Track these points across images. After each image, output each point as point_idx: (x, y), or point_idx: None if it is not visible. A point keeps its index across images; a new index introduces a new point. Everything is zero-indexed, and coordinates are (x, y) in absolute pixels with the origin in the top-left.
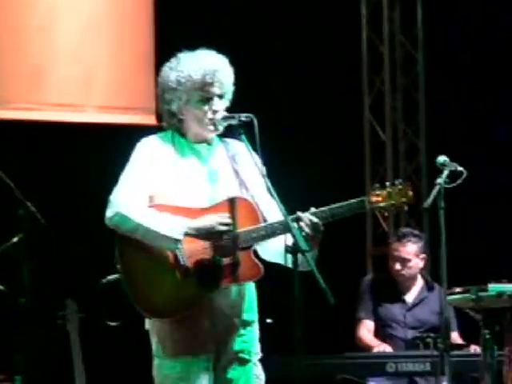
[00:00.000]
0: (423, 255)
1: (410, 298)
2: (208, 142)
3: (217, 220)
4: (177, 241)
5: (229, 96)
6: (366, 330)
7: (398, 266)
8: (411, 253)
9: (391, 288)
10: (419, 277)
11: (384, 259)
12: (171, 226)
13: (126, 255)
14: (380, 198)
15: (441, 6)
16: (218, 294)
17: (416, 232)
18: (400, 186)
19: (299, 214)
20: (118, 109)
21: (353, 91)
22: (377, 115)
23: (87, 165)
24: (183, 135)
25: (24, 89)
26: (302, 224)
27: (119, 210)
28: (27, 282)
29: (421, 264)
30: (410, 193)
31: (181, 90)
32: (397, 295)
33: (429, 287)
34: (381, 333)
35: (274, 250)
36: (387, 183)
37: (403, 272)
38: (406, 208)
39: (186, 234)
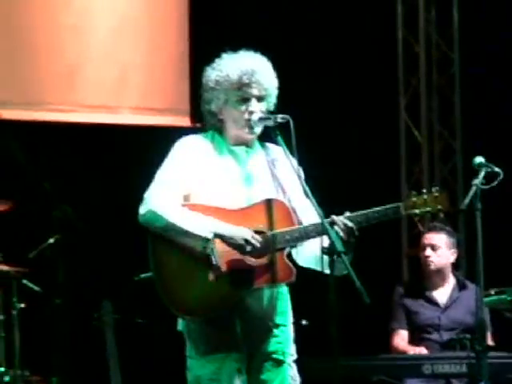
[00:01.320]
0: (454, 250)
1: (442, 298)
2: (247, 145)
3: (246, 237)
4: (207, 240)
5: (271, 99)
6: (401, 339)
7: (427, 252)
8: (442, 241)
9: (423, 292)
10: (451, 276)
11: (419, 259)
12: (202, 225)
13: (158, 253)
14: (416, 205)
15: (477, 6)
16: (250, 296)
17: (448, 227)
18: (436, 194)
19: (334, 217)
20: (153, 110)
21: (388, 92)
22: (412, 116)
23: (123, 166)
24: (223, 136)
25: (59, 89)
26: (336, 228)
27: (151, 207)
28: (63, 283)
29: (451, 258)
30: (447, 201)
31: (219, 89)
32: (429, 298)
33: (461, 286)
34: (416, 339)
35: (308, 255)
36: (424, 190)
37: (432, 259)
38: (441, 215)
39: (216, 235)
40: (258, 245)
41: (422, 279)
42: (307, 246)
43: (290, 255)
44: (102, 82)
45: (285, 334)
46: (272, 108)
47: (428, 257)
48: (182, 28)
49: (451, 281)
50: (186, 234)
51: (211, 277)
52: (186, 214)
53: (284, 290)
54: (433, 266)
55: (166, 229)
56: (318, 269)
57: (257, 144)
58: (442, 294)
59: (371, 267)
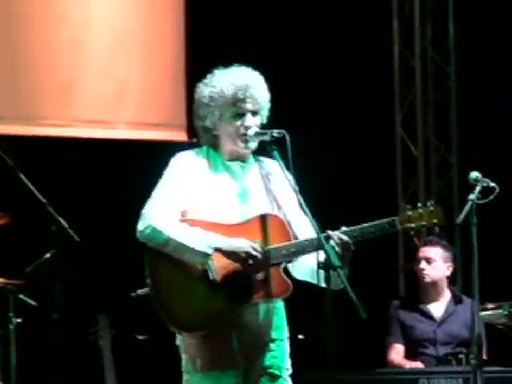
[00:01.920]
0: (450, 264)
1: (438, 312)
2: (242, 160)
3: (247, 248)
4: (206, 255)
5: (264, 112)
6: (397, 353)
7: (422, 265)
8: (437, 254)
9: (418, 306)
10: (447, 290)
11: (415, 274)
12: (202, 241)
13: (155, 269)
14: (411, 219)
15: (473, 21)
16: (246, 311)
17: (444, 241)
18: (432, 208)
19: (329, 232)
20: (149, 125)
21: (384, 106)
22: (408, 130)
23: (120, 180)
24: (218, 152)
25: (55, 104)
26: (331, 242)
27: (151, 223)
28: (60, 298)
29: (447, 272)
30: (442, 215)
31: (213, 105)
32: (424, 312)
33: (456, 300)
34: (412, 354)
35: (304, 269)
36: (419, 204)
37: (427, 272)
38: (437, 229)
39: (216, 250)
40: (260, 256)
41: (418, 293)
42: (303, 260)
43: (286, 269)
44: (98, 97)
45: (281, 348)
46: (265, 121)
47: (423, 270)
48: (178, 43)
49: (447, 295)
50: (186, 249)
51: (208, 291)
52: (185, 229)
53: (280, 305)
54: (428, 279)
55: (166, 244)
56: (315, 282)
57: (251, 158)
58: (437, 308)
59: (367, 281)
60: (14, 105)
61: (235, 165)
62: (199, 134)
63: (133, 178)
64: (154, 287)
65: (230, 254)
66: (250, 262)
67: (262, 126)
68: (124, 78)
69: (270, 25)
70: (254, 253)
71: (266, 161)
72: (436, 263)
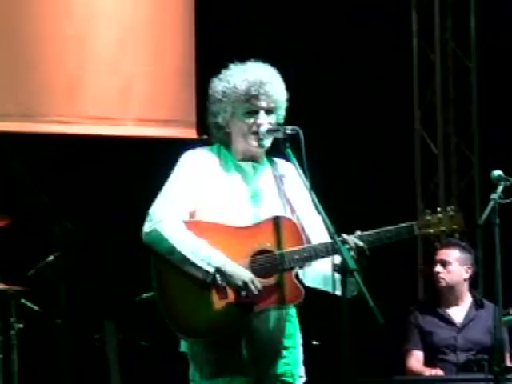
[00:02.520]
0: (468, 266)
1: (458, 318)
2: (255, 160)
3: (246, 280)
4: (208, 274)
5: (280, 112)
6: (416, 360)
7: (438, 268)
8: (453, 257)
9: (438, 311)
10: (468, 294)
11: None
12: (206, 258)
13: (161, 273)
14: (430, 225)
15: (495, 12)
16: (257, 318)
17: (463, 243)
18: (452, 213)
19: (344, 236)
20: (158, 122)
21: (402, 103)
22: (428, 128)
23: (126, 180)
24: (230, 150)
25: (59, 101)
26: (347, 246)
27: (157, 226)
28: (63, 303)
29: (465, 275)
30: (462, 220)
31: (226, 101)
32: (444, 317)
33: (478, 305)
34: (431, 360)
35: (315, 275)
36: (438, 208)
37: (443, 275)
38: (457, 235)
39: (217, 270)
40: (256, 292)
41: (437, 298)
42: (314, 266)
43: (297, 276)
44: (104, 93)
45: (294, 355)
46: (281, 121)
47: (438, 273)
48: (188, 37)
49: (467, 299)
50: (189, 263)
51: (216, 297)
52: (191, 242)
53: (292, 312)
54: (443, 283)
55: (169, 254)
56: (327, 289)
57: (264, 159)
58: (457, 313)
59: (385, 285)
60: (18, 101)
61: (247, 165)
62: (211, 132)
63: (140, 177)
64: (159, 292)
65: (228, 278)
66: (244, 293)
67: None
68: (131, 74)
69: (285, 18)
70: (251, 286)
71: (279, 162)
72: (452, 266)
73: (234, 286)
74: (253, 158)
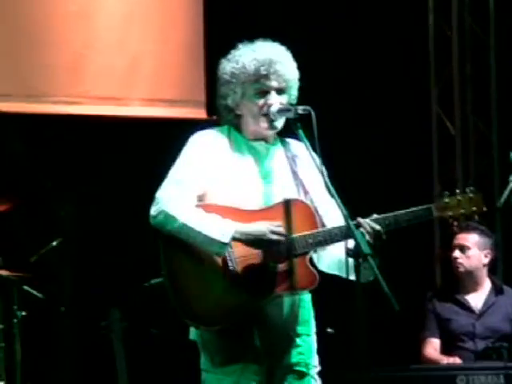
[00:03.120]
0: (488, 251)
1: (477, 304)
2: (266, 141)
3: (268, 227)
4: (223, 245)
5: (292, 92)
6: (433, 348)
7: (456, 253)
8: (472, 242)
9: (455, 297)
10: (486, 279)
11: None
12: (219, 229)
13: (171, 259)
14: (449, 207)
15: None
16: (269, 304)
17: (482, 227)
18: (471, 195)
19: (359, 219)
20: (165, 102)
21: (419, 81)
22: (445, 107)
23: (133, 162)
24: (240, 132)
25: (63, 81)
26: (361, 231)
27: (164, 208)
28: (67, 290)
29: (484, 260)
30: (482, 202)
31: (235, 82)
32: (462, 303)
33: (497, 291)
34: (448, 348)
35: (331, 260)
36: (457, 190)
37: (461, 261)
38: (476, 217)
39: (234, 239)
40: (282, 238)
41: (455, 283)
42: (330, 250)
43: (311, 260)
44: (110, 72)
45: (307, 344)
46: (294, 101)
47: (456, 258)
48: (197, 14)
49: (487, 285)
50: (201, 237)
51: (227, 282)
52: (201, 216)
53: (306, 298)
54: (462, 269)
55: (180, 231)
56: (342, 275)
57: (277, 140)
58: (476, 299)
59: (401, 271)
60: (20, 81)
61: (260, 145)
62: (221, 114)
63: (148, 160)
64: (169, 277)
65: (248, 240)
66: (272, 236)
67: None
68: (138, 52)
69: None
70: (277, 230)
71: (292, 142)
72: (471, 251)
73: (260, 246)
74: (264, 139)
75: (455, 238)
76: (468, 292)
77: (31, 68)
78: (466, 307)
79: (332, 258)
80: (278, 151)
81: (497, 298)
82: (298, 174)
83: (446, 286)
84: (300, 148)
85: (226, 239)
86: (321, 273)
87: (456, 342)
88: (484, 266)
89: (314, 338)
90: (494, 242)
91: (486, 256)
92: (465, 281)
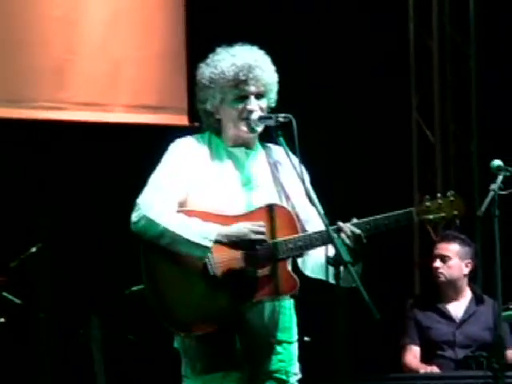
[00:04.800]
0: (469, 261)
1: (457, 313)
2: (247, 146)
3: (250, 228)
4: (206, 248)
5: (271, 95)
6: (412, 355)
7: (437, 263)
8: (453, 251)
9: (436, 305)
10: (467, 289)
11: (432, 270)
12: (200, 232)
13: (151, 265)
14: (430, 210)
15: None
16: (250, 310)
17: (463, 236)
18: (452, 198)
19: (340, 224)
20: (147, 108)
21: (399, 89)
22: (425, 115)
23: (114, 168)
24: (220, 137)
25: (46, 86)
26: (342, 235)
27: (145, 213)
28: (46, 296)
29: (465, 270)
30: (463, 205)
31: (214, 87)
32: (443, 312)
33: (478, 300)
34: (428, 356)
35: (315, 265)
36: (438, 194)
37: (442, 271)
38: (457, 221)
39: (216, 242)
40: (262, 230)
41: (436, 292)
42: (314, 255)
43: (296, 265)
44: (93, 78)
45: (288, 351)
46: (273, 105)
47: (437, 268)
48: (178, 21)
49: (467, 294)
50: (183, 241)
51: (207, 288)
52: (182, 220)
53: (288, 304)
54: (443, 278)
55: (162, 236)
56: (326, 279)
57: (258, 145)
58: (457, 308)
59: (380, 279)
60: (2, 86)
61: (239, 151)
62: (201, 118)
63: (130, 166)
64: (149, 284)
65: (231, 242)
66: (253, 236)
67: (271, 110)
68: (120, 58)
69: (277, 2)
70: (259, 230)
71: (273, 148)
72: (452, 261)
73: (243, 247)
74: (245, 144)
75: (435, 247)
76: (449, 301)
77: (13, 73)
78: (447, 316)
79: (316, 262)
80: (259, 157)
81: (477, 308)
82: (280, 180)
83: (426, 293)
84: (282, 153)
85: (208, 243)
86: (301, 281)
87: (436, 350)
88: (465, 275)
89: (295, 346)
90: (474, 251)
91: (466, 266)
92: (445, 290)
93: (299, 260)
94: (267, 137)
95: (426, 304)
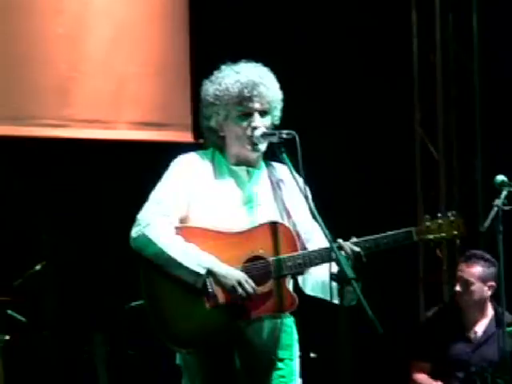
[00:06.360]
0: (491, 283)
1: (477, 334)
2: (250, 164)
3: (241, 281)
4: (198, 275)
5: (275, 113)
6: (421, 371)
7: (458, 288)
8: (475, 275)
9: (455, 321)
10: (489, 308)
11: (437, 286)
12: (196, 259)
13: (150, 280)
14: (429, 230)
15: (498, 11)
16: (250, 327)
17: (487, 256)
18: (452, 218)
19: (341, 242)
20: (151, 125)
21: (402, 105)
22: (429, 131)
23: (118, 185)
24: (224, 154)
25: (49, 103)
26: (342, 253)
27: (144, 231)
28: (51, 314)
29: (487, 292)
30: (463, 226)
31: (219, 104)
32: (461, 330)
33: (498, 320)
34: (439, 373)
35: (315, 283)
36: (439, 214)
37: (464, 296)
38: (457, 241)
39: (209, 271)
40: (251, 291)
41: (456, 309)
42: (314, 274)
43: (296, 284)
44: (97, 95)
45: (290, 367)
46: (277, 122)
47: (459, 293)
48: (182, 37)
49: (489, 313)
50: (178, 265)
51: (207, 305)
52: (179, 244)
53: (289, 322)
54: (464, 303)
55: (157, 257)
56: (326, 298)
57: (261, 163)
58: (476, 328)
59: (385, 295)
60: (6, 103)
61: (241, 170)
62: (205, 135)
63: (133, 183)
64: (148, 300)
65: (221, 279)
66: (240, 291)
67: (275, 128)
68: (124, 75)
69: (281, 18)
70: (245, 285)
71: (277, 166)
72: (473, 286)
73: (228, 286)
74: (248, 162)
75: (458, 268)
76: (469, 321)
77: (17, 90)
78: (465, 336)
79: (316, 281)
80: (262, 175)
81: (497, 329)
82: (282, 199)
83: (445, 309)
84: (285, 172)
85: (201, 270)
86: (305, 297)
87: (448, 368)
88: (486, 298)
89: (296, 362)
90: (497, 269)
91: (489, 288)
92: (466, 312)
93: (300, 279)
94: (272, 155)
95: (444, 320)
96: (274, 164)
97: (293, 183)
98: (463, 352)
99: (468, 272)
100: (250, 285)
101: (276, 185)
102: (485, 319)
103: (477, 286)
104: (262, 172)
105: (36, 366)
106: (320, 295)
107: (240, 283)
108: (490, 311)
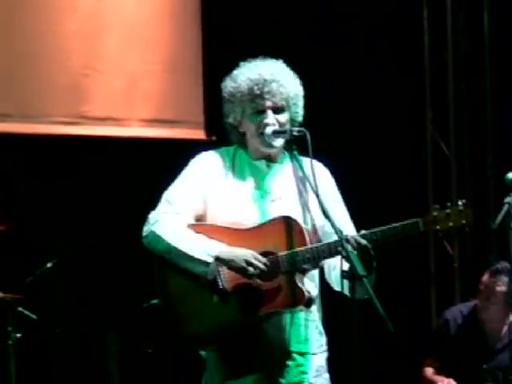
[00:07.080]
0: None
1: (495, 340)
2: (270, 159)
3: (248, 258)
4: (206, 264)
5: (295, 109)
6: (431, 367)
7: (482, 303)
8: (500, 290)
9: (474, 325)
10: (510, 315)
11: (448, 284)
12: (202, 249)
13: (164, 278)
14: (437, 220)
15: (508, 8)
16: (266, 322)
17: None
18: (461, 207)
19: (347, 235)
20: (164, 122)
21: (414, 102)
22: (440, 129)
23: (132, 183)
24: (246, 150)
25: (63, 101)
26: (349, 247)
27: (153, 228)
28: (62, 311)
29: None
30: (471, 215)
31: (234, 101)
32: (480, 336)
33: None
34: (452, 372)
35: (338, 278)
36: (448, 204)
37: (487, 311)
38: (467, 229)
39: (217, 259)
40: (262, 266)
41: (476, 313)
42: (333, 268)
43: (324, 279)
44: (109, 93)
45: (310, 362)
46: (299, 118)
47: (482, 307)
48: (195, 35)
49: (508, 320)
50: (186, 257)
51: (217, 300)
52: (187, 236)
53: (310, 316)
54: (485, 316)
55: (167, 252)
56: (341, 291)
57: (284, 157)
58: (495, 336)
59: (396, 292)
60: (19, 102)
61: (261, 163)
62: (227, 132)
63: (146, 180)
64: (162, 298)
65: (229, 264)
66: (250, 270)
67: (299, 125)
68: (137, 73)
69: (294, 15)
70: (255, 262)
71: (306, 161)
72: (496, 298)
73: (239, 268)
74: (268, 157)
75: (482, 282)
76: (488, 327)
77: (30, 88)
78: (483, 340)
79: (334, 275)
80: (284, 169)
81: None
82: (304, 194)
83: (467, 312)
84: (315, 166)
85: (208, 258)
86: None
87: (462, 368)
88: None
89: (320, 357)
90: None
91: None
92: (486, 322)
93: (326, 274)
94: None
95: (464, 320)
96: (302, 158)
97: (322, 179)
98: (481, 356)
99: (491, 288)
100: (259, 260)
101: (300, 179)
102: (505, 326)
103: (500, 300)
104: (284, 166)
105: (48, 363)
106: (338, 289)
107: (248, 262)
108: (510, 318)
